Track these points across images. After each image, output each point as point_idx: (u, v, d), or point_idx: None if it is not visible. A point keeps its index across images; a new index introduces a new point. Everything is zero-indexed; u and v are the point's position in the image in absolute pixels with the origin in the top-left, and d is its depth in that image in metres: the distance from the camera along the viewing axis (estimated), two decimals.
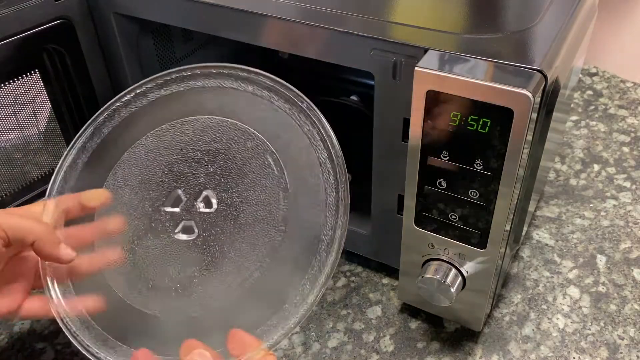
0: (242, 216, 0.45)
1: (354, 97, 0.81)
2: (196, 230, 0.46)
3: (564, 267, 0.62)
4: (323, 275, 0.40)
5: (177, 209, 0.46)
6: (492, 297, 0.52)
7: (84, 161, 0.48)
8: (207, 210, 0.46)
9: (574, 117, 0.86)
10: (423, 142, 0.43)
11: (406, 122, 0.46)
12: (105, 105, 0.49)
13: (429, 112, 0.41)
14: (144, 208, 0.47)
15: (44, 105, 0.60)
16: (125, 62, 0.62)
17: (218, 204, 0.46)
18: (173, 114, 0.48)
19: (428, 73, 0.40)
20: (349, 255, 0.65)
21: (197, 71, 0.48)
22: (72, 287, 0.43)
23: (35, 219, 0.42)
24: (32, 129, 0.60)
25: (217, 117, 0.47)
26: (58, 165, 0.48)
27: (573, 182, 0.74)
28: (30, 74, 0.57)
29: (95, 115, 0.49)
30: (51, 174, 0.64)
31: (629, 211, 0.69)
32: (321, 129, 0.44)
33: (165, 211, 0.46)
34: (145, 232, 0.46)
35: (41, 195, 0.62)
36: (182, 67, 0.48)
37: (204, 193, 0.46)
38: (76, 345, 0.40)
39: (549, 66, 0.40)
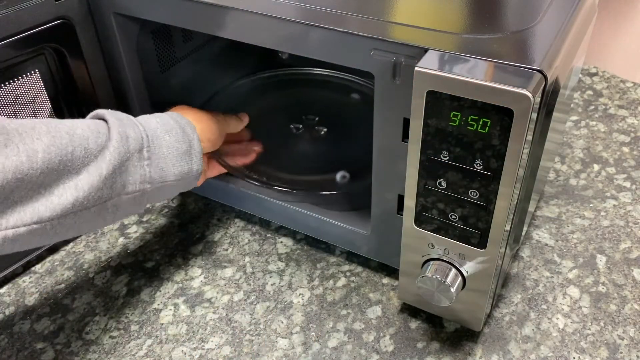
0: None
1: (355, 95, 0.81)
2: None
3: (564, 267, 0.62)
4: None
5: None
6: (492, 297, 0.52)
7: None
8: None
9: (574, 117, 0.86)
10: (423, 142, 0.43)
11: (406, 122, 0.46)
12: None
13: (429, 112, 0.41)
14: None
15: (44, 105, 0.60)
16: (125, 62, 0.62)
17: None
18: None
19: (428, 73, 0.40)
20: (349, 255, 0.65)
21: None
22: None
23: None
24: None
25: None
26: None
27: (573, 182, 0.74)
28: (30, 74, 0.57)
29: None
30: None
31: (629, 211, 0.69)
32: None
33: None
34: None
35: None
36: None
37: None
38: None
39: (549, 66, 0.40)
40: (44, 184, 0.43)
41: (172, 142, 0.52)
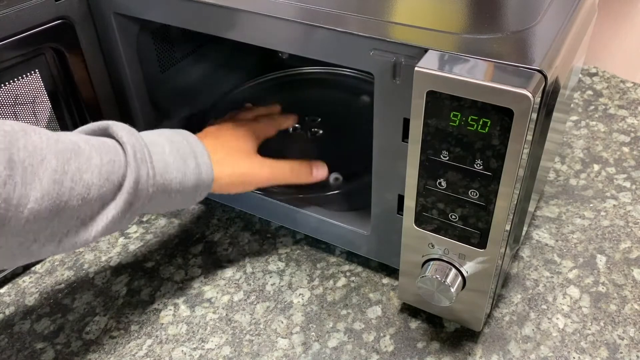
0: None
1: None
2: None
3: (564, 267, 0.62)
4: None
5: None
6: (492, 297, 0.52)
7: None
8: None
9: (574, 117, 0.86)
10: (423, 142, 0.43)
11: (406, 122, 0.46)
12: None
13: (429, 112, 0.41)
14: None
15: (44, 105, 0.60)
16: (125, 62, 0.62)
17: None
18: None
19: (428, 73, 0.40)
20: (349, 255, 0.65)
21: None
22: None
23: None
24: None
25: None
26: None
27: (573, 182, 0.74)
28: (30, 74, 0.57)
29: None
30: None
31: (629, 211, 0.69)
32: None
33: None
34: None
35: None
36: None
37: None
38: None
39: (549, 66, 0.40)
40: (24, 232, 0.40)
41: (178, 201, 0.50)
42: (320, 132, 0.75)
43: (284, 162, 0.59)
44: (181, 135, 0.52)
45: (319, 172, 0.60)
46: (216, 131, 0.59)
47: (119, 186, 0.44)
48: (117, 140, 0.47)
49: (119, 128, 0.47)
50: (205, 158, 0.51)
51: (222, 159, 0.53)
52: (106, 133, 0.48)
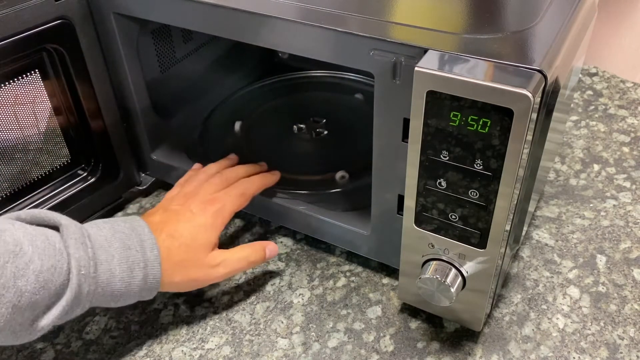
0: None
1: (358, 96, 0.81)
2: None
3: (564, 267, 0.62)
4: None
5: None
6: (492, 297, 0.52)
7: None
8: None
9: (574, 117, 0.86)
10: (423, 142, 0.43)
11: (406, 122, 0.46)
12: None
13: (429, 112, 0.41)
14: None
15: (44, 105, 0.60)
16: (125, 62, 0.62)
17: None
18: None
19: (428, 73, 0.40)
20: (349, 255, 0.65)
21: None
22: None
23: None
24: (32, 129, 0.60)
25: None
26: None
27: (573, 182, 0.74)
28: (30, 74, 0.57)
29: None
30: (51, 174, 0.64)
31: (629, 211, 0.69)
32: None
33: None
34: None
35: (39, 196, 0.62)
36: None
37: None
38: None
39: (549, 66, 0.40)
40: None
41: (118, 304, 0.49)
42: (325, 132, 0.75)
43: (238, 253, 0.56)
44: (137, 237, 0.49)
45: (271, 251, 0.59)
46: (175, 224, 0.53)
47: (56, 295, 0.43)
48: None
49: (70, 234, 0.44)
50: (155, 269, 0.49)
51: (173, 266, 0.51)
52: (57, 229, 0.46)
